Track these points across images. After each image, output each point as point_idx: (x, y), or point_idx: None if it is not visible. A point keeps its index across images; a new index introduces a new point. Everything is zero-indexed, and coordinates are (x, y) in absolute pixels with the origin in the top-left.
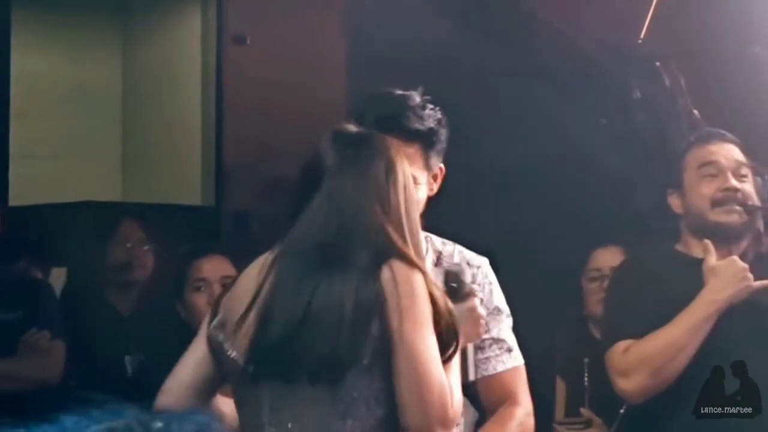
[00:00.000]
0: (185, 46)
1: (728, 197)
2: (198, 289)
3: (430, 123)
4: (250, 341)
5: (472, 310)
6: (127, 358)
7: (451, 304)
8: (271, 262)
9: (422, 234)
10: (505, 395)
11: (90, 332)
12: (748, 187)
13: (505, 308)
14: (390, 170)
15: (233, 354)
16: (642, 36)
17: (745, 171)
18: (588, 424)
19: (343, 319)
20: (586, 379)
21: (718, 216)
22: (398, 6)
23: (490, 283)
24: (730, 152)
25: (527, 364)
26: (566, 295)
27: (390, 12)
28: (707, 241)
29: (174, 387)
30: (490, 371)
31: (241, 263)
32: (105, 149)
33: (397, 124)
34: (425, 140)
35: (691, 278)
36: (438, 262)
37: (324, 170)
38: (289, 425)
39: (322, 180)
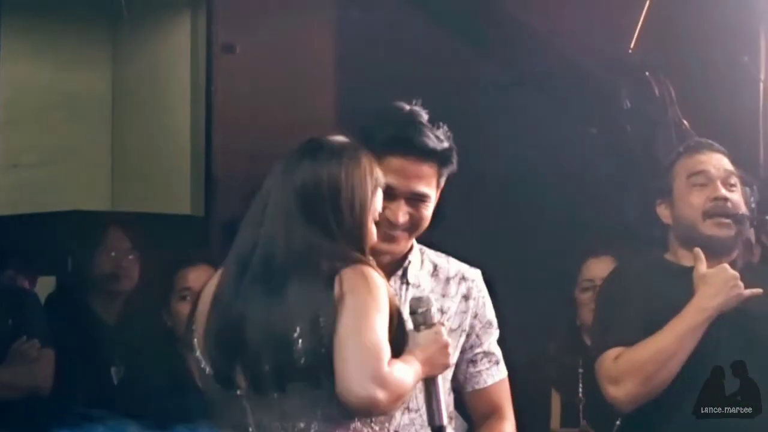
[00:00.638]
0: (175, 54)
1: (718, 207)
2: (183, 298)
3: (446, 143)
4: (209, 353)
5: (438, 336)
6: (113, 369)
7: (401, 307)
8: (220, 275)
9: (417, 247)
10: (493, 407)
11: (76, 341)
12: (737, 196)
13: (495, 321)
14: (348, 178)
15: (203, 364)
16: (632, 46)
17: (734, 180)
18: None
19: (286, 332)
20: (580, 388)
21: (710, 229)
22: (388, 16)
23: (484, 297)
24: (719, 162)
25: (520, 375)
26: (559, 305)
27: (380, 22)
28: (698, 249)
29: None
30: (482, 384)
31: None
32: (95, 158)
33: (411, 143)
34: (441, 160)
35: (680, 287)
36: (435, 273)
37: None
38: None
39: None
